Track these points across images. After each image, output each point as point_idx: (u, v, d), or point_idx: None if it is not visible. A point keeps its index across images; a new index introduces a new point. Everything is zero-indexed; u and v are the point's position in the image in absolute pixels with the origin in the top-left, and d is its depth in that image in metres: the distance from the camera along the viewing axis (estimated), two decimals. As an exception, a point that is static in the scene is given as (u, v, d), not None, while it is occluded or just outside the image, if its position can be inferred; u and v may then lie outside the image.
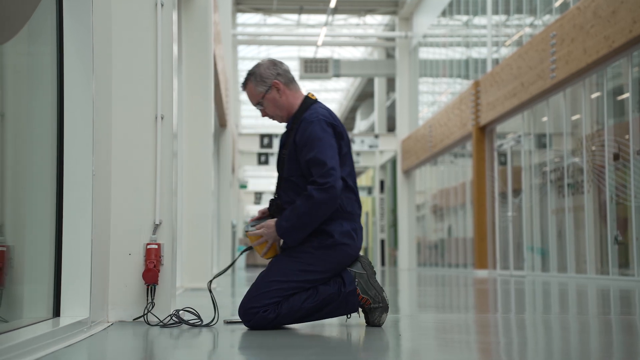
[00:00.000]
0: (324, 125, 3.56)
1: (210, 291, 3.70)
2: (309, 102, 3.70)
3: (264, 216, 3.71)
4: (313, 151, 3.50)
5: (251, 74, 3.72)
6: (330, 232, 3.55)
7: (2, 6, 2.70)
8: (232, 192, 17.79)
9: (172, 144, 4.02)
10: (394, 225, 24.59)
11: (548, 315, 4.51)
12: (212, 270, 8.48)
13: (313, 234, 3.56)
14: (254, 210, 52.32)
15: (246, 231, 3.66)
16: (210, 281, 3.70)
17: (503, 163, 15.48)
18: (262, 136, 23.83)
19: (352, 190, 3.65)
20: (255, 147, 24.06)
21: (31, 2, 2.95)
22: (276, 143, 23.80)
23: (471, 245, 17.03)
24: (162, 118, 3.99)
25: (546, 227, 12.90)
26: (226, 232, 14.90)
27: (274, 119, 3.75)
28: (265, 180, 47.11)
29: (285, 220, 3.51)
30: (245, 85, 3.75)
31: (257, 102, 3.72)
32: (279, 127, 36.80)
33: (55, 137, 3.44)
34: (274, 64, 3.73)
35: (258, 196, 47.04)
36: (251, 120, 36.96)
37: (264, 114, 3.77)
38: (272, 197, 3.67)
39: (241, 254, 3.69)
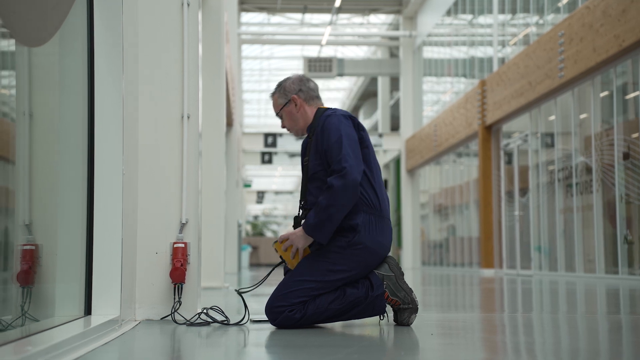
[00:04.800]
0: (341, 118, 3.66)
1: (240, 295, 3.70)
2: (322, 110, 3.80)
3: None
4: (331, 139, 3.57)
5: (278, 86, 3.88)
6: (353, 225, 3.55)
7: (37, 9, 2.71)
8: (238, 191, 17.79)
9: (198, 143, 4.04)
10: (397, 224, 24.58)
11: (556, 315, 4.51)
12: (224, 269, 8.49)
13: (339, 232, 3.56)
14: (256, 209, 52.25)
15: (274, 242, 3.67)
16: (238, 291, 3.72)
17: (508, 162, 15.48)
18: (267, 135, 23.82)
19: (371, 185, 3.66)
20: (259, 146, 24.04)
21: (65, 4, 2.96)
22: (280, 142, 23.78)
23: (476, 245, 17.03)
24: (188, 117, 4.00)
25: (554, 226, 12.90)
26: (232, 232, 14.91)
27: (290, 131, 3.87)
28: (267, 179, 47.06)
29: (312, 218, 3.52)
30: (272, 95, 3.89)
31: (277, 112, 3.86)
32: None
33: (86, 137, 3.45)
34: (300, 80, 3.86)
35: (260, 195, 47.00)
36: (254, 120, 36.97)
37: (283, 125, 3.89)
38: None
39: (271, 270, 3.71)
